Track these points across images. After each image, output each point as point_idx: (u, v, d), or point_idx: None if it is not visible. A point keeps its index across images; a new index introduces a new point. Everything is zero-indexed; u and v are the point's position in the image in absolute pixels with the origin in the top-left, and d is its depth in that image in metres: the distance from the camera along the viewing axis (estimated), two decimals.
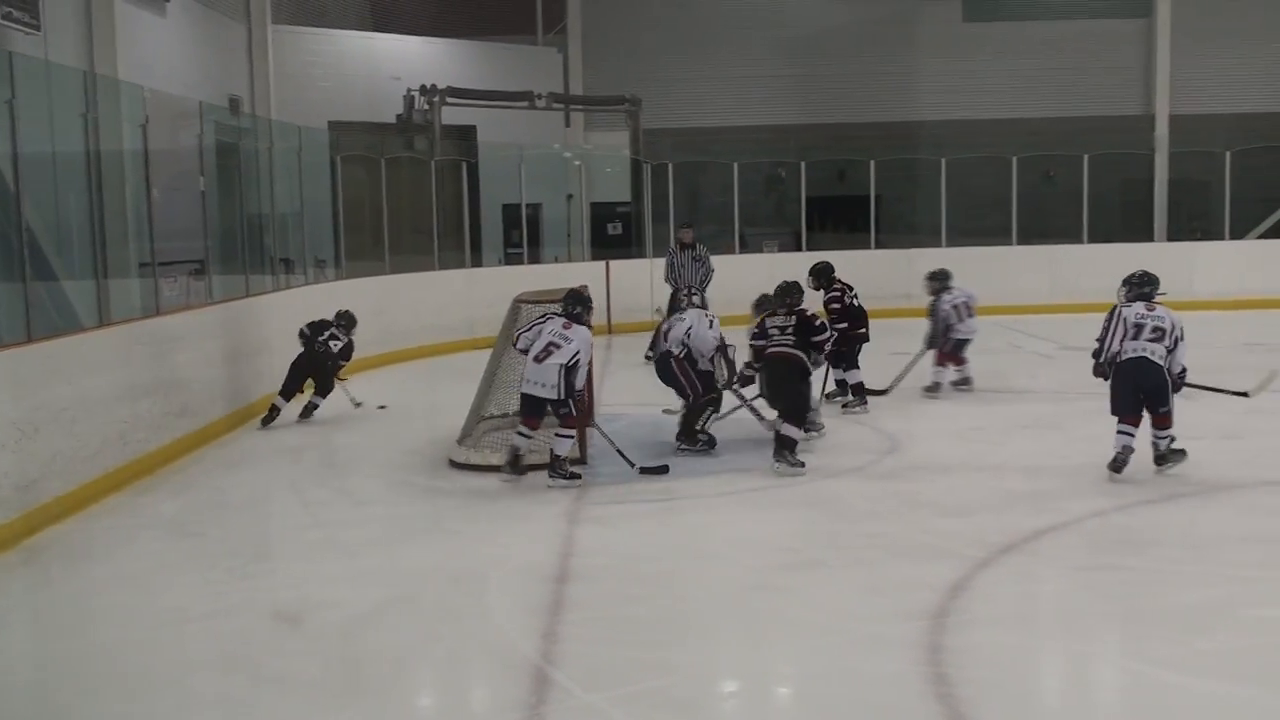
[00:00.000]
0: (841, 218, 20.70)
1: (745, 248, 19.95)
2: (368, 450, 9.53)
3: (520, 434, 8.17)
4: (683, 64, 22.88)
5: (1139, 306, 7.91)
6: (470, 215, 17.62)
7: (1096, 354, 7.98)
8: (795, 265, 17.34)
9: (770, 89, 22.93)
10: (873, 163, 19.98)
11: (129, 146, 10.11)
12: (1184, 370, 7.88)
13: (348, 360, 11.17)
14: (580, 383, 8.09)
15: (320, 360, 10.86)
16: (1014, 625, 5.32)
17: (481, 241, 18.24)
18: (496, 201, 18.73)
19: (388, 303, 14.64)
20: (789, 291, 8.81)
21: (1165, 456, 7.84)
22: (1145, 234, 21.73)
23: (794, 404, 8.40)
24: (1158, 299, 8.02)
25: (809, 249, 19.39)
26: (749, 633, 5.36)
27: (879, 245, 19.92)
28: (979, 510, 7.18)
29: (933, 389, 11.01)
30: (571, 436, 8.06)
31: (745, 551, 6.56)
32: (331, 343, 10.92)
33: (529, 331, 8.18)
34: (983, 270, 18.85)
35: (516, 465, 8.12)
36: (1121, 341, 7.81)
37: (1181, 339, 7.81)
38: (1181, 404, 10.39)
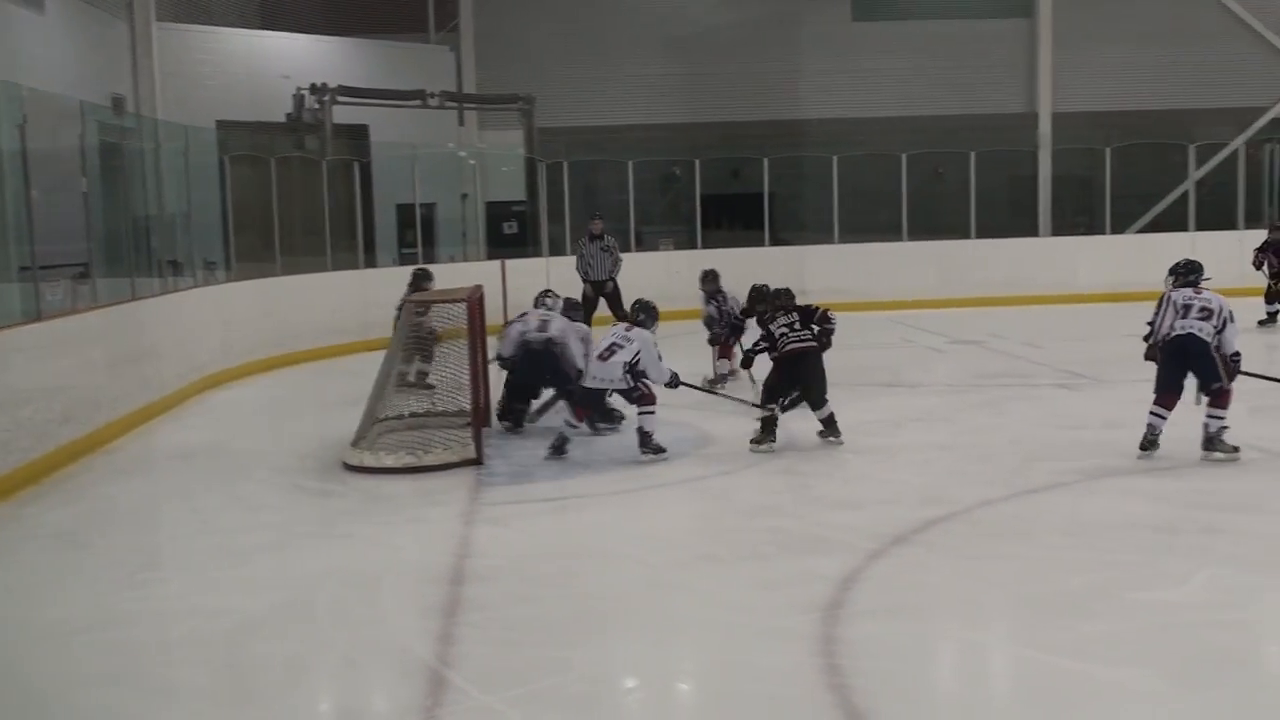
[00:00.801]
0: (736, 215, 20.86)
1: (641, 245, 19.99)
2: (259, 455, 9.38)
3: (569, 424, 8.85)
4: (575, 63, 22.87)
5: (1186, 290, 8.06)
6: (363, 215, 17.42)
7: (1147, 337, 8.11)
8: (691, 262, 17.44)
9: (662, 88, 23.01)
10: (766, 161, 20.16)
11: (7, 147, 9.82)
12: (1237, 354, 7.98)
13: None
14: (656, 375, 8.81)
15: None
16: (906, 615, 5.38)
17: (375, 242, 18.05)
18: (390, 201, 18.54)
19: (279, 304, 14.44)
20: (783, 294, 9.25)
21: (1214, 441, 7.91)
22: (1031, 229, 22.23)
23: (822, 389, 8.82)
24: (1203, 285, 8.13)
25: (704, 247, 19.50)
26: (645, 630, 5.37)
27: (773, 242, 20.12)
28: (871, 502, 7.29)
29: (722, 380, 11.46)
30: (653, 412, 8.67)
31: (640, 548, 6.56)
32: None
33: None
34: (874, 266, 19.25)
35: (561, 450, 8.70)
36: (1171, 323, 7.95)
37: (1231, 321, 7.94)
38: (1067, 396, 10.72)
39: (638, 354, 8.70)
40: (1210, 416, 7.90)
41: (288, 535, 7.08)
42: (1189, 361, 7.87)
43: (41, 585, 6.30)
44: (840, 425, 8.83)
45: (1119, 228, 20.92)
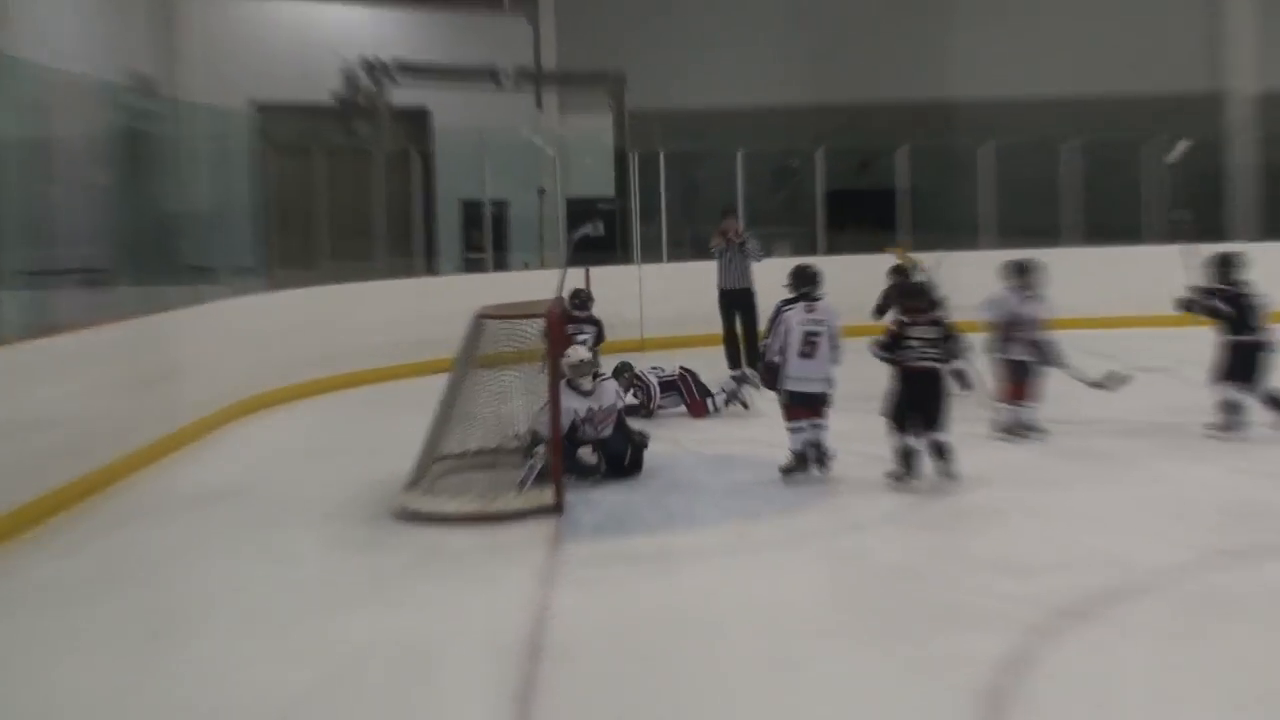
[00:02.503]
0: (865, 214, 20.67)
1: None
2: (297, 498, 9.43)
3: (816, 426, 9.14)
4: (675, 34, 22.94)
5: None
6: (424, 214, 17.57)
7: None
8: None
9: (779, 63, 23.04)
10: (903, 150, 19.99)
11: (19, 133, 9.97)
12: None
13: None
14: (837, 357, 9.20)
15: None
16: (1088, 709, 5.20)
17: (437, 245, 18.20)
18: (454, 197, 18.75)
19: (324, 319, 14.56)
20: (921, 293, 9.22)
21: None
22: (1226, 233, 21.78)
23: (944, 417, 8.82)
24: None
25: (827, 252, 19.35)
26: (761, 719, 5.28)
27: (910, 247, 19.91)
28: (1040, 568, 7.09)
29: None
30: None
31: (756, 620, 6.47)
32: None
33: (772, 339, 9.27)
34: (1032, 276, 18.89)
35: (824, 462, 9.14)
36: None
37: None
38: (1277, 439, 10.39)
39: (835, 331, 9.11)
40: None
41: (331, 597, 7.09)
42: None
43: (29, 654, 6.32)
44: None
45: None
